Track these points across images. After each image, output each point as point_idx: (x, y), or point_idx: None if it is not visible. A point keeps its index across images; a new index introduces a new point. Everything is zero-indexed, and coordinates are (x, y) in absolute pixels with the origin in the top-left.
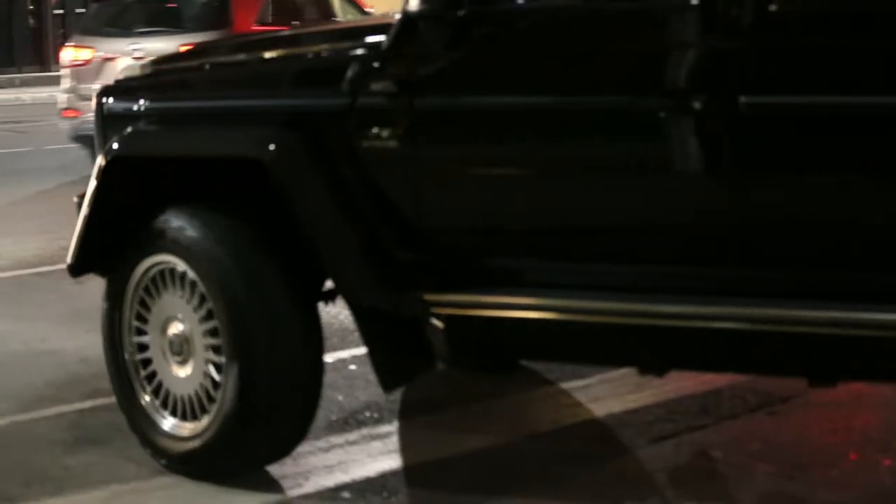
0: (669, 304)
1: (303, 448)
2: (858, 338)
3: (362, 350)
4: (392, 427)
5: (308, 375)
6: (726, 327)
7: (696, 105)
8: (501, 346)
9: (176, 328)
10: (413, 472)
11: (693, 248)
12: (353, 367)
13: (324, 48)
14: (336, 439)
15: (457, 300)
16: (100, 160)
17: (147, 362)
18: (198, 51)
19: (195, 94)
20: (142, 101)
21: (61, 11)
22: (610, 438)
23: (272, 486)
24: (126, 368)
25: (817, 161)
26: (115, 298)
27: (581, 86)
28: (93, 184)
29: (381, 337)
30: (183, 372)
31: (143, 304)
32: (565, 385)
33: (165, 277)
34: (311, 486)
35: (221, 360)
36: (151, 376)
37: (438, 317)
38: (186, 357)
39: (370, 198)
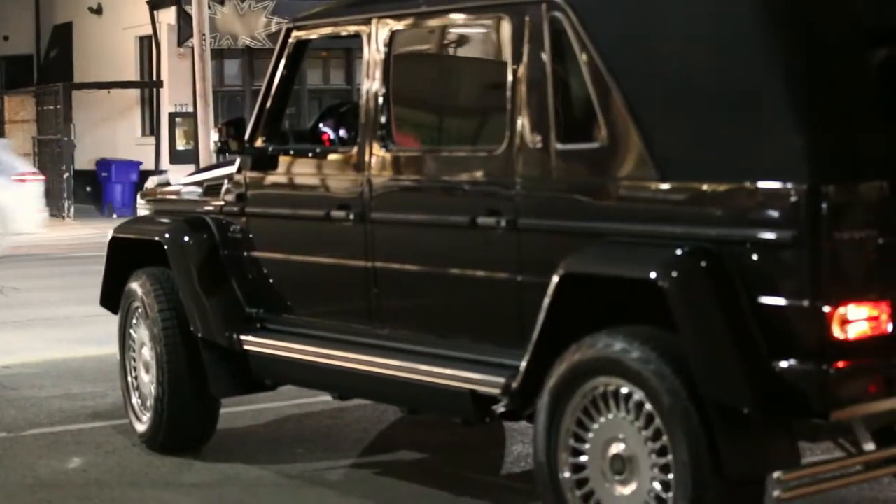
0: (341, 351)
1: None
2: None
3: None
4: None
5: None
6: (371, 371)
7: (351, 217)
8: (272, 375)
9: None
10: None
11: (355, 311)
12: None
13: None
14: None
15: (247, 340)
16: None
17: None
18: None
19: None
20: None
21: None
22: None
23: None
24: None
25: (411, 255)
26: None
27: (302, 202)
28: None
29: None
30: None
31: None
32: None
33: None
34: None
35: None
36: None
37: (247, 353)
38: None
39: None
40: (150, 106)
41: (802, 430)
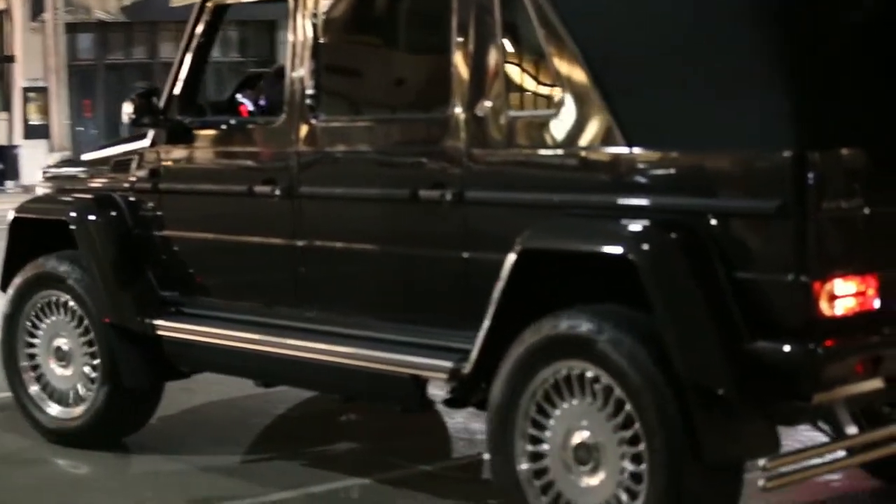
0: (264, 335)
1: None
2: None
3: None
4: None
5: None
6: (298, 356)
7: (277, 193)
8: (188, 361)
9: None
10: None
11: (281, 293)
12: None
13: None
14: None
15: (161, 325)
16: None
17: None
18: None
19: None
20: None
21: None
22: None
23: None
24: None
25: (344, 232)
26: None
27: (222, 177)
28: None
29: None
30: None
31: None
32: None
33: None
34: None
35: None
36: None
37: (161, 337)
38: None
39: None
40: (2, 81)
41: (782, 414)
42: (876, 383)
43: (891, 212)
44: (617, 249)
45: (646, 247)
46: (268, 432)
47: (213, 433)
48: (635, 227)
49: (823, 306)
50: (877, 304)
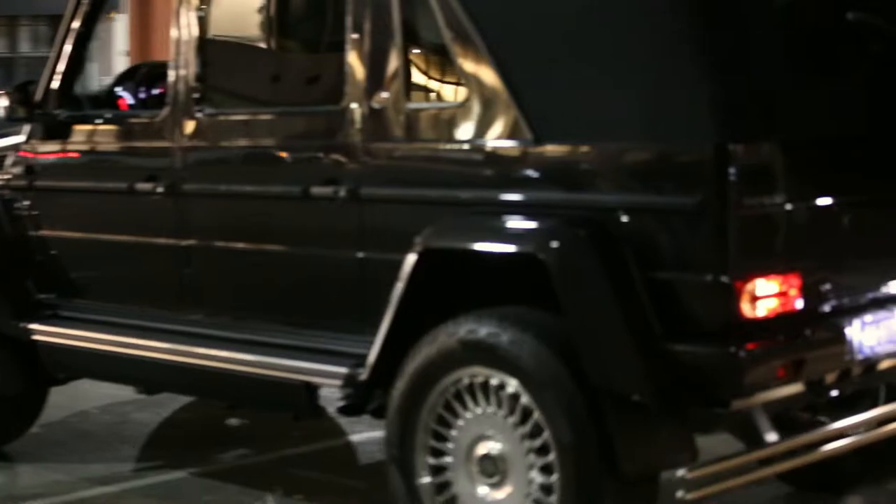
0: (145, 339)
1: None
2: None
3: None
4: None
5: None
6: (182, 361)
7: (160, 190)
8: (65, 367)
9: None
10: None
11: (164, 295)
12: None
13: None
14: None
15: (36, 329)
16: None
17: None
18: None
19: None
20: None
21: None
22: None
23: None
24: None
25: (231, 231)
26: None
27: (101, 174)
28: None
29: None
30: None
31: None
32: None
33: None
34: None
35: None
36: None
37: (36, 342)
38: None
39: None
40: None
41: (699, 421)
42: (797, 387)
43: (812, 207)
44: (524, 248)
45: (555, 244)
46: (147, 440)
47: (91, 442)
48: (544, 224)
49: (745, 307)
50: (799, 304)
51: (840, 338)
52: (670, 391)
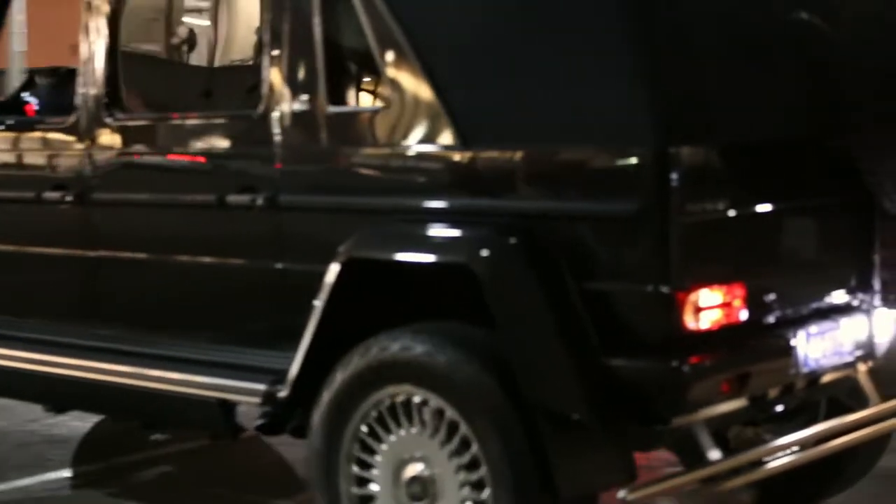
0: (52, 355)
1: None
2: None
3: None
4: None
5: None
6: (92, 378)
7: (68, 199)
8: None
9: None
10: None
11: (73, 309)
12: None
13: None
14: None
15: None
16: None
17: None
18: None
19: None
20: None
21: None
22: None
23: None
24: None
25: (143, 242)
26: None
27: (5, 183)
28: None
29: None
30: None
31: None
32: None
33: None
34: None
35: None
36: None
37: None
38: None
39: None
40: None
41: (637, 439)
42: (740, 403)
43: (756, 213)
44: (452, 257)
45: (485, 253)
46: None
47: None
48: (474, 232)
49: (687, 319)
50: (744, 315)
51: (786, 350)
52: (608, 408)
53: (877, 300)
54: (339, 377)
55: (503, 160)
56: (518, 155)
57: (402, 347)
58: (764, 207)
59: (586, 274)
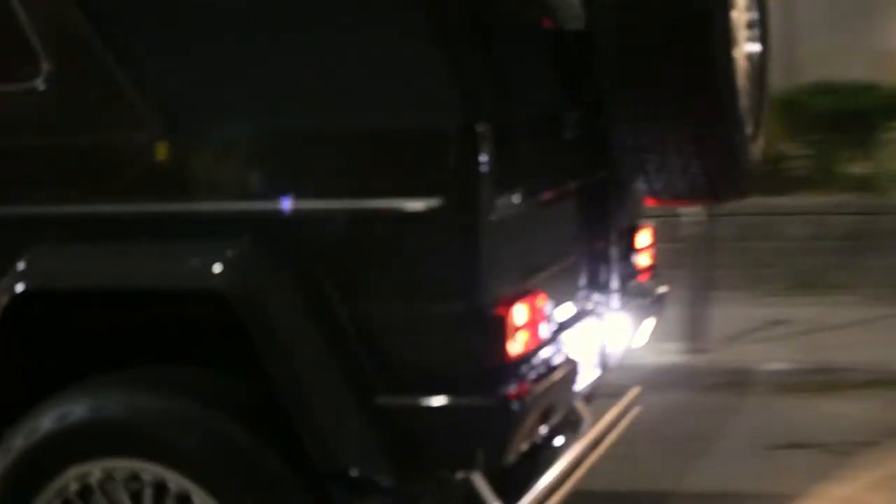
0: None
1: None
2: None
3: None
4: None
5: None
6: None
7: None
8: None
9: None
10: None
11: None
12: None
13: None
14: None
15: None
16: None
17: None
18: None
19: None
20: None
21: None
22: None
23: None
24: None
25: None
26: None
27: None
28: None
29: None
30: None
31: None
32: None
33: None
34: None
35: None
36: None
37: None
38: None
39: None
40: None
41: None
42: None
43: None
44: (188, 278)
45: (217, 270)
46: None
47: None
48: (208, 244)
49: (506, 342)
50: (544, 332)
51: (574, 370)
52: (403, 460)
53: (613, 302)
54: (10, 450)
55: (226, 149)
56: (249, 143)
57: (93, 405)
58: (549, 194)
59: (365, 292)
